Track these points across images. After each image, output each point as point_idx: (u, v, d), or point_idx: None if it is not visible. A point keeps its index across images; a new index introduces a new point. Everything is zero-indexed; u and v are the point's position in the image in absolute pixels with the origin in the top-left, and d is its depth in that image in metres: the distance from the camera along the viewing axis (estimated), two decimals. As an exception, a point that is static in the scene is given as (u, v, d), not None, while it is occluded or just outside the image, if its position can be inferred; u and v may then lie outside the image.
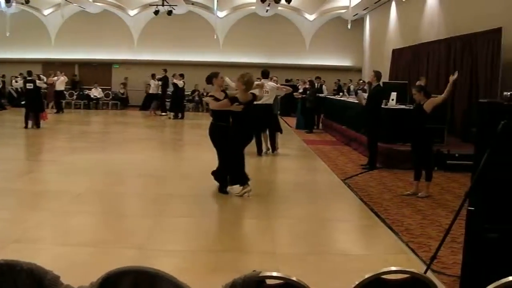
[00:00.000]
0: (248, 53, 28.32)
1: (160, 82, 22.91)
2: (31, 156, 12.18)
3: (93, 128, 19.22)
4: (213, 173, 8.33)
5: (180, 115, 22.29)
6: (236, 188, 8.17)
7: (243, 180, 8.07)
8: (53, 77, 22.87)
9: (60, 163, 10.58)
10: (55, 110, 22.71)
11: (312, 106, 18.18)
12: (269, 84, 12.50)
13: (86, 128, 18.82)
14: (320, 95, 18.71)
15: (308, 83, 18.96)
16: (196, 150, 14.12)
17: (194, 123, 20.81)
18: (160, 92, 23.38)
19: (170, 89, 22.90)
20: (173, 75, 22.91)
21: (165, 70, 23.03)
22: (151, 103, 24.00)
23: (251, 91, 8.26)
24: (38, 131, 15.95)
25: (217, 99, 8.02)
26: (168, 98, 23.42)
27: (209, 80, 8.40)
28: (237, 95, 8.10)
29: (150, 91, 24.13)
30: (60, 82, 23.17)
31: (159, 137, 16.87)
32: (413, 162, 8.73)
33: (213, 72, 8.54)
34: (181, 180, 9.44)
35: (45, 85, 16.85)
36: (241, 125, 8.14)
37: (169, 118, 22.20)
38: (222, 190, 8.21)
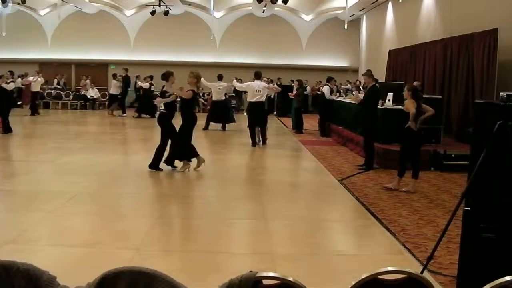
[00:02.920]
0: (245, 53, 28.36)
1: (120, 83, 22.48)
2: (25, 156, 12.15)
3: (87, 129, 19.14)
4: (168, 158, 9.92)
5: (148, 115, 22.29)
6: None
7: (189, 156, 9.90)
8: (29, 77, 22.33)
9: (56, 164, 10.58)
10: (30, 112, 21.61)
11: (300, 105, 18.43)
12: (260, 83, 13.66)
13: (80, 128, 18.74)
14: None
15: (297, 82, 19.24)
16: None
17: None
18: (120, 93, 22.76)
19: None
20: (137, 77, 23.40)
21: (126, 70, 22.76)
22: (112, 103, 23.22)
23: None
24: (33, 132, 15.94)
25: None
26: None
27: (166, 77, 10.04)
28: (191, 88, 9.85)
29: (111, 91, 23.34)
30: (37, 83, 22.15)
31: (154, 138, 16.81)
32: (399, 159, 9.07)
33: (169, 71, 10.24)
34: (177, 180, 9.44)
35: (11, 86, 16.26)
36: (191, 111, 10.03)
37: (133, 117, 22.02)
38: (155, 166, 9.81)
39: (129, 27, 28.36)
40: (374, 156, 10.92)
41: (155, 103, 10.22)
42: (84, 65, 28.33)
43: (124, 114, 22.44)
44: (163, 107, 9.99)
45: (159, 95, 10.21)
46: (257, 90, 13.41)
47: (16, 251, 5.03)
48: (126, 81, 22.49)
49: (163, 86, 10.13)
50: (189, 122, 9.90)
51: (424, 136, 9.25)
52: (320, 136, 17.10)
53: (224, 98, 18.01)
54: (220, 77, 17.84)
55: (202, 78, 14.70)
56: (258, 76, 14.03)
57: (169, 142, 9.91)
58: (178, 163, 9.98)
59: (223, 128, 17.78)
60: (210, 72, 26.45)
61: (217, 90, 17.65)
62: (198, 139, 16.33)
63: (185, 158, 9.91)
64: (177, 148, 9.88)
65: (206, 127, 17.56)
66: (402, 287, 2.06)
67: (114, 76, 22.92)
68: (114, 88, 22.71)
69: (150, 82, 22.51)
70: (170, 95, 9.74)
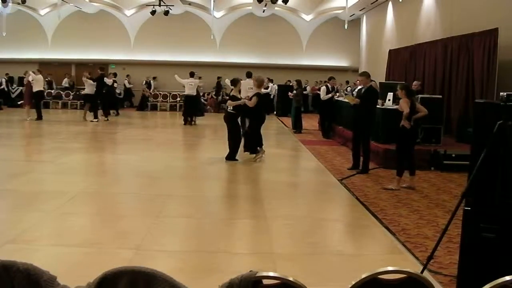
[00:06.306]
0: (245, 53, 28.37)
1: (94, 83, 20.05)
2: (26, 156, 12.16)
3: (86, 128, 19.08)
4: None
5: (115, 112, 22.51)
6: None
7: (254, 148, 11.69)
8: (28, 76, 20.00)
9: (56, 164, 10.57)
10: (30, 117, 19.43)
11: (299, 105, 18.72)
12: (251, 82, 14.09)
13: (80, 128, 18.69)
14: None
15: (295, 82, 19.59)
16: (192, 150, 14.15)
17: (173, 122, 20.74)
18: (94, 93, 20.15)
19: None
20: (127, 76, 23.80)
21: (101, 69, 21.08)
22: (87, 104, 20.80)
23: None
24: (32, 131, 15.94)
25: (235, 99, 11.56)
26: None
27: (234, 83, 11.94)
28: (256, 91, 11.63)
29: (85, 91, 20.72)
30: (37, 81, 19.60)
31: (154, 138, 16.80)
32: (396, 159, 9.19)
33: (238, 78, 12.30)
34: (177, 180, 9.46)
35: None
36: (259, 111, 11.63)
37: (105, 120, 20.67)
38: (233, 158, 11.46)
39: (129, 27, 28.35)
40: (369, 158, 10.79)
41: (227, 105, 11.70)
42: (84, 65, 28.28)
43: (96, 120, 20.02)
44: (231, 108, 11.46)
45: (229, 98, 11.88)
46: (249, 88, 14.09)
47: (16, 251, 5.03)
48: (99, 81, 20.26)
49: (231, 90, 12.10)
50: (257, 121, 11.73)
51: (417, 134, 9.34)
52: (322, 137, 16.91)
53: (195, 93, 19.95)
54: (192, 74, 20.14)
55: (175, 75, 19.92)
56: (249, 76, 15.37)
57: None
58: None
59: (192, 122, 19.77)
60: (210, 72, 26.65)
61: (188, 86, 19.72)
62: (192, 138, 16.37)
63: (253, 150, 11.66)
64: (246, 140, 11.92)
65: (187, 122, 19.65)
66: (402, 287, 2.06)
67: (85, 76, 20.27)
68: (88, 87, 20.17)
69: (113, 79, 22.58)
70: (239, 99, 11.46)
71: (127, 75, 27.55)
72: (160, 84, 27.92)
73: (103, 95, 20.92)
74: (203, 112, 20.87)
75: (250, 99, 11.54)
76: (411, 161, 8.96)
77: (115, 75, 23.43)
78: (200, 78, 23.67)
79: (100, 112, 20.44)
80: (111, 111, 22.14)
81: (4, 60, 26.93)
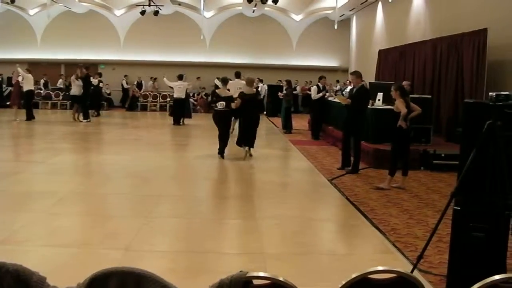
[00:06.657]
0: (235, 53, 28.33)
1: (81, 83, 19.63)
2: (16, 157, 12.09)
3: (77, 129, 18.99)
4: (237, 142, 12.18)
5: (95, 113, 22.30)
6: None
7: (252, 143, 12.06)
8: (17, 76, 19.55)
9: (46, 164, 10.52)
10: (19, 118, 18.72)
11: (289, 105, 18.79)
12: (241, 82, 14.72)
13: (70, 129, 18.60)
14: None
15: (286, 82, 19.63)
16: (182, 149, 14.13)
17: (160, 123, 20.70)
18: (81, 94, 19.68)
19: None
20: (125, 76, 24.04)
21: (87, 68, 20.64)
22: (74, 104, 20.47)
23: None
24: (21, 131, 15.84)
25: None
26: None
27: (225, 82, 12.27)
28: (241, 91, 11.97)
29: (72, 93, 20.31)
30: (27, 80, 18.97)
31: (145, 138, 16.75)
32: (391, 159, 9.17)
33: (227, 77, 12.65)
34: (167, 180, 9.44)
35: None
36: (245, 111, 11.88)
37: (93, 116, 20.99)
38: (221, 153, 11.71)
39: (119, 27, 28.23)
40: (360, 158, 10.78)
41: (232, 106, 11.71)
42: (74, 65, 28.07)
43: (86, 120, 19.68)
44: (221, 107, 11.67)
45: (227, 99, 11.75)
46: (238, 88, 14.14)
47: (6, 252, 4.99)
48: (85, 81, 19.81)
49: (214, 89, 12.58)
50: (245, 120, 12.01)
51: (412, 134, 9.35)
52: (312, 137, 16.81)
53: (184, 96, 20.17)
54: (180, 77, 20.21)
55: (164, 78, 20.76)
56: (238, 76, 15.95)
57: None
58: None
59: (181, 122, 19.91)
60: (200, 72, 26.59)
61: (177, 88, 19.89)
62: (181, 138, 16.34)
63: (250, 144, 11.97)
64: (243, 136, 12.12)
65: (176, 123, 19.80)
66: (392, 287, 2.07)
67: (77, 75, 19.91)
68: (75, 88, 19.72)
69: (98, 79, 22.60)
70: (234, 99, 11.77)
71: (125, 75, 27.35)
72: (159, 85, 27.62)
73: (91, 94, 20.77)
74: (191, 114, 21.30)
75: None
76: (406, 161, 9.02)
77: (100, 75, 23.50)
78: (198, 78, 23.83)
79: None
80: (92, 111, 21.97)
81: (-7, 60, 26.75)
